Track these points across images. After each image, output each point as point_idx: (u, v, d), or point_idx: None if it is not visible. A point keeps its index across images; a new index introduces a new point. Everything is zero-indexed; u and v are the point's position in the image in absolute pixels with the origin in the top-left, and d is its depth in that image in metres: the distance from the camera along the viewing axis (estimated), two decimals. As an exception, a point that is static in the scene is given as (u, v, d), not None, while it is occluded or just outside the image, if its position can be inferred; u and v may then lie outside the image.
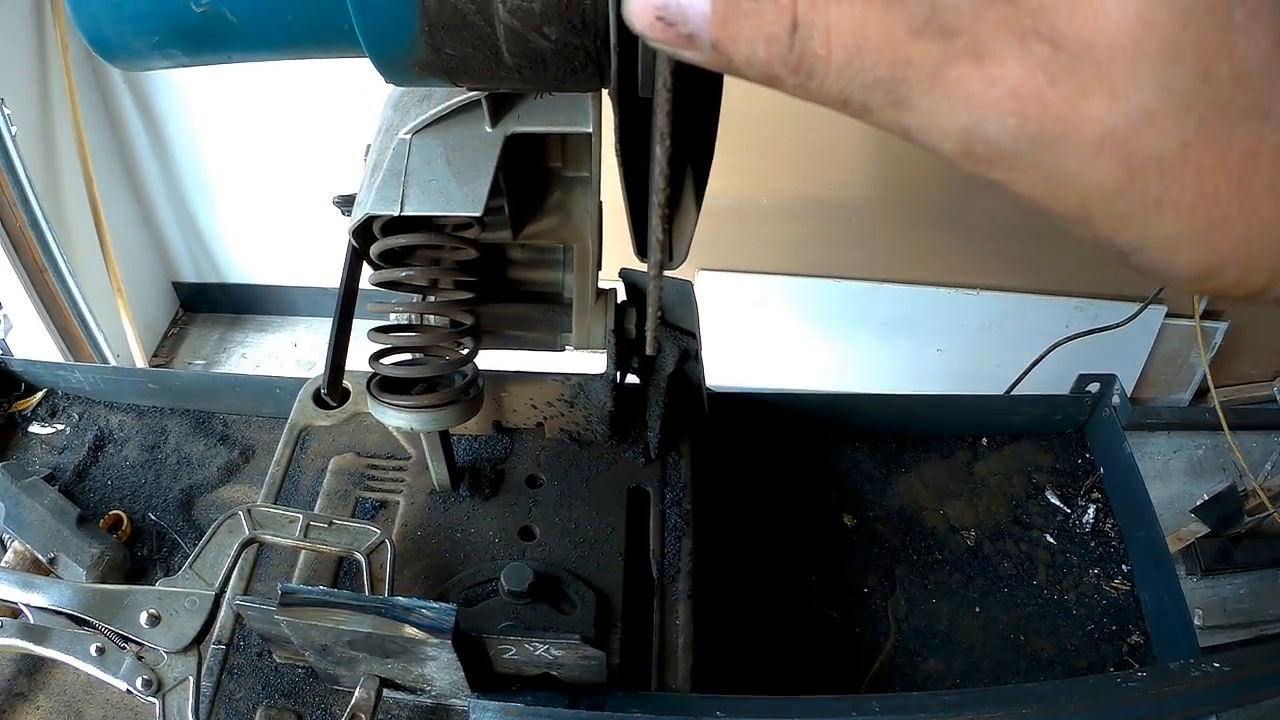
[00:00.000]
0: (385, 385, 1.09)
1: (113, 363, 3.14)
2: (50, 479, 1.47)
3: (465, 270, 1.07)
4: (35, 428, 1.59)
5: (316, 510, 1.23)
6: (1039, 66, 0.36)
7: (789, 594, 1.40)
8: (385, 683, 1.00)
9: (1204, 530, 3.16)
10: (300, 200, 3.31)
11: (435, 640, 0.90)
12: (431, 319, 1.13)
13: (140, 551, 1.42)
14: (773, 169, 2.94)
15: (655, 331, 0.64)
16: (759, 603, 1.38)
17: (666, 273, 1.13)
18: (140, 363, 3.29)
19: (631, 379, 1.28)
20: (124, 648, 0.99)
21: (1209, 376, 3.31)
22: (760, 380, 3.38)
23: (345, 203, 1.15)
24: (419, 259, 1.07)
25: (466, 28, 0.56)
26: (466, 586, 1.15)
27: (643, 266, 1.12)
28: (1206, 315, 3.27)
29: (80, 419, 1.60)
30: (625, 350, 1.22)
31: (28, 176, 2.77)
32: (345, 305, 1.12)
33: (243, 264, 3.63)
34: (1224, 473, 3.35)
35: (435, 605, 0.91)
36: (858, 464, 1.56)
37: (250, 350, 3.68)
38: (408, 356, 1.10)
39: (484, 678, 1.00)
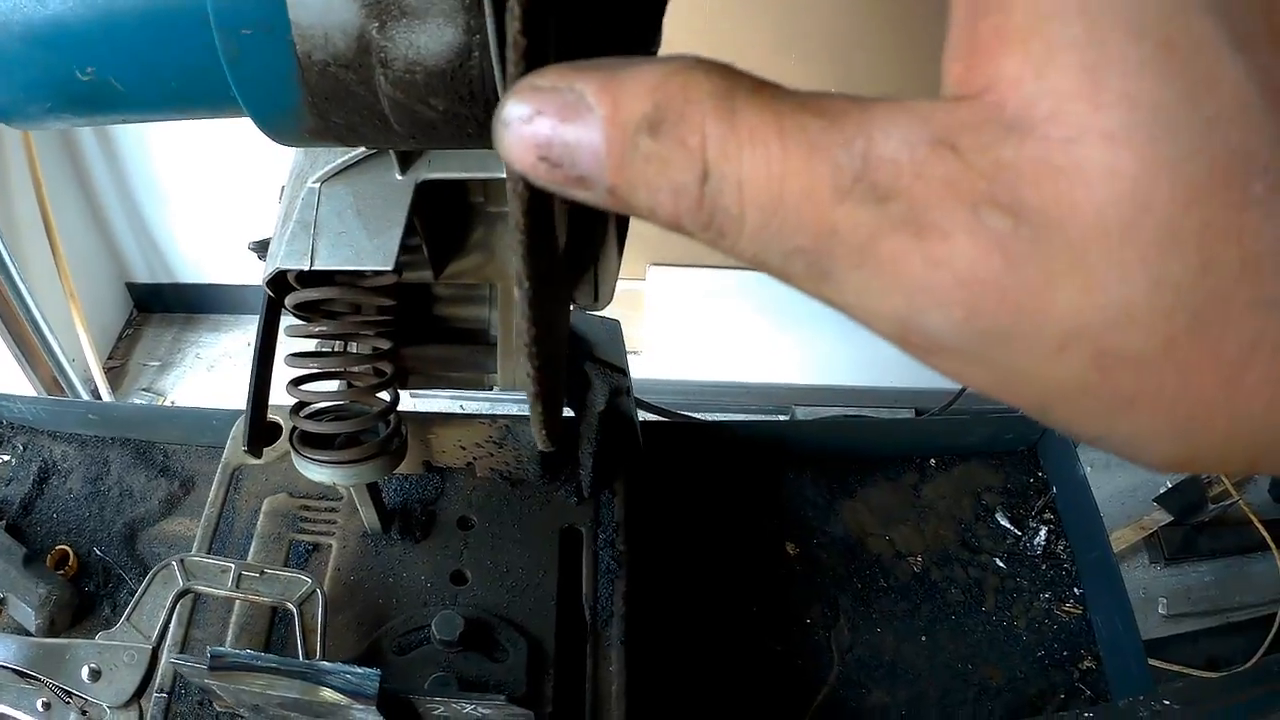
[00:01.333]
0: (306, 440, 1.05)
1: (66, 368, 3.10)
2: (-1, 512, 1.47)
3: (385, 317, 1.04)
4: None
5: (251, 555, 1.22)
6: (995, 245, 0.29)
7: (730, 626, 1.38)
8: None
9: (1167, 519, 3.15)
10: (251, 197, 3.27)
11: (360, 706, 0.88)
12: (353, 368, 1.09)
13: (87, 587, 1.42)
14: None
15: (545, 444, 0.61)
16: (698, 635, 1.36)
17: (595, 313, 1.12)
18: (94, 366, 3.25)
19: (566, 412, 1.26)
20: (68, 702, 1.01)
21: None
22: (718, 374, 3.35)
23: (260, 248, 1.11)
24: (337, 307, 1.03)
25: (350, 98, 0.53)
26: (399, 634, 1.12)
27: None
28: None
29: (25, 449, 1.59)
30: (556, 386, 1.19)
31: (-26, 183, 2.74)
32: (263, 355, 1.07)
33: (196, 263, 3.59)
34: (1187, 462, 3.33)
35: (358, 671, 0.88)
36: (801, 490, 1.53)
37: (205, 350, 3.64)
38: (328, 406, 1.06)
39: None
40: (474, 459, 1.26)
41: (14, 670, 1.01)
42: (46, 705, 1.00)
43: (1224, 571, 3.26)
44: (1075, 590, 1.47)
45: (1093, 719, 1.20)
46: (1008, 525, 1.53)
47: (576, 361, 1.22)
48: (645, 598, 1.20)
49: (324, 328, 1.01)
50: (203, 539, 1.24)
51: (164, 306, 3.75)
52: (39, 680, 1.01)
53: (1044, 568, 1.49)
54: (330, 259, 0.89)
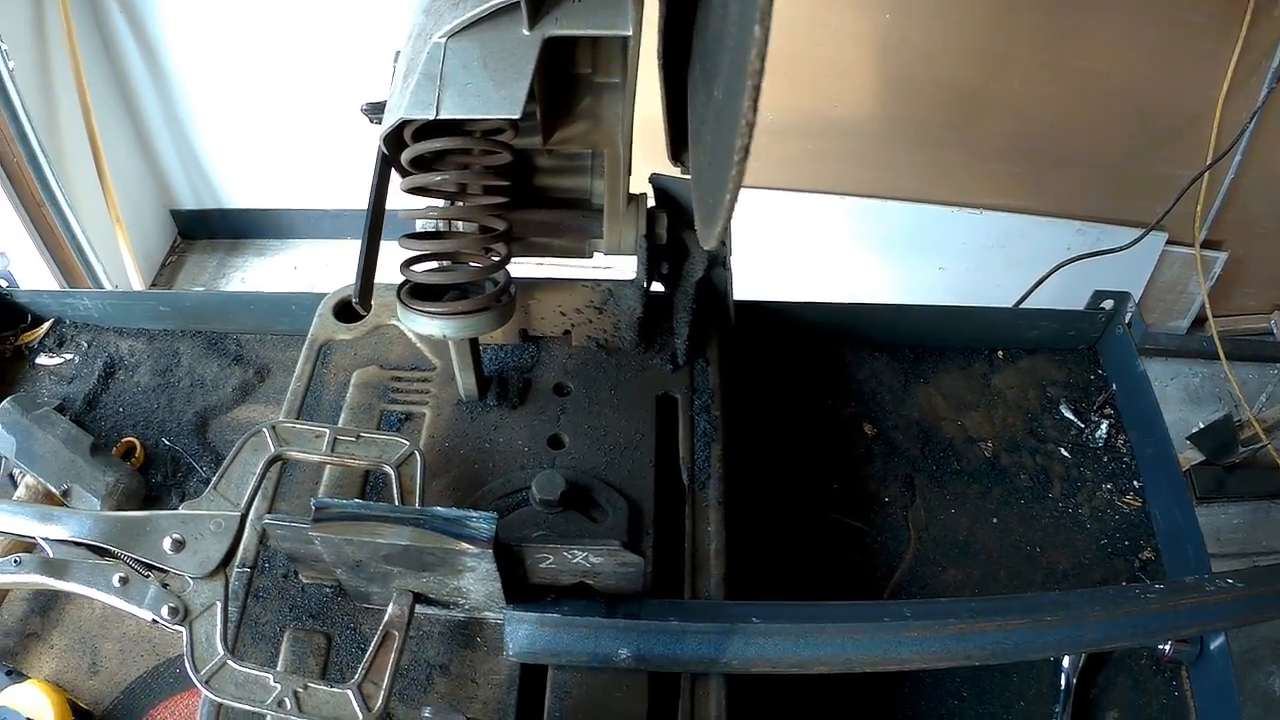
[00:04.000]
0: (415, 293, 1.09)
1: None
2: (60, 409, 1.46)
3: (496, 176, 1.07)
4: (43, 359, 1.59)
5: (340, 424, 1.22)
6: None
7: (812, 502, 1.42)
8: (418, 598, 1.00)
9: (1199, 458, 3.18)
10: (297, 122, 3.30)
11: (475, 550, 0.90)
12: (462, 225, 1.12)
13: (155, 478, 1.42)
14: (776, 85, 2.90)
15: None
16: (783, 510, 1.40)
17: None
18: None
19: (657, 287, 1.28)
20: (147, 576, 0.97)
21: (1208, 305, 3.33)
22: (762, 296, 3.38)
23: (375, 110, 1.15)
24: (449, 164, 1.06)
25: None
26: (497, 497, 1.14)
27: (673, 171, 1.14)
28: (1207, 245, 3.27)
29: (89, 347, 1.59)
30: (656, 255, 1.22)
31: (25, 111, 2.75)
32: (375, 212, 1.10)
33: (240, 188, 3.61)
34: (1220, 402, 3.38)
35: (476, 515, 0.91)
36: (876, 373, 1.58)
37: (249, 275, 3.66)
38: (440, 257, 1.09)
39: (519, 589, 1.00)
40: (572, 326, 1.28)
41: (88, 546, 0.98)
42: (124, 580, 0.96)
43: (1252, 515, 3.28)
44: (1135, 483, 1.51)
45: (1164, 590, 1.23)
46: (1071, 417, 1.56)
47: (676, 230, 1.24)
48: (740, 463, 1.22)
49: (442, 176, 1.04)
50: (289, 411, 1.25)
51: (209, 233, 3.76)
52: (115, 555, 0.98)
53: (1105, 460, 1.53)
54: (457, 108, 0.93)
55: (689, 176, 1.13)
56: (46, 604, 1.32)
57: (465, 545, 0.90)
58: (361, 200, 1.08)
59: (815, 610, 1.06)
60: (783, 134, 3.05)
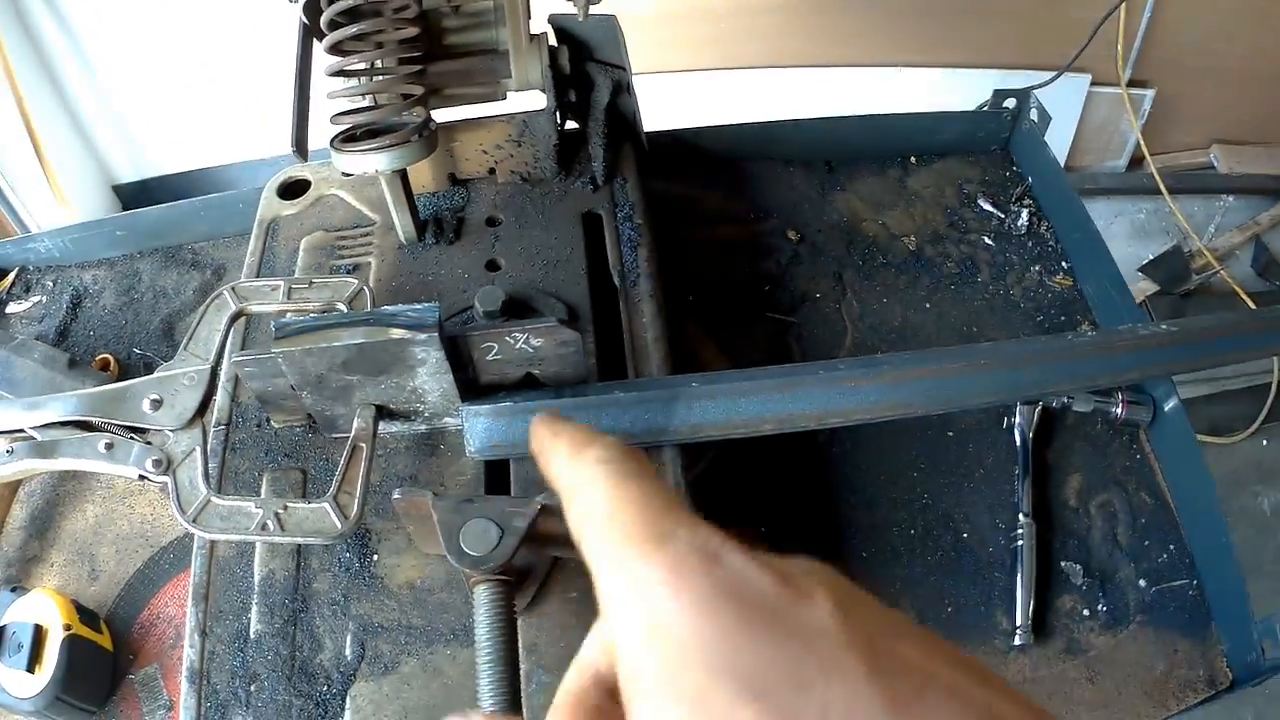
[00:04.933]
0: (347, 139, 1.16)
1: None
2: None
3: (408, 26, 1.14)
4: (12, 307, 1.63)
5: None
6: None
7: (746, 305, 1.49)
8: (381, 412, 1.05)
9: (1154, 288, 3.25)
10: (227, 74, 3.27)
11: (423, 337, 0.95)
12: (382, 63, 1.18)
13: None
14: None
15: None
16: (718, 316, 1.46)
17: (591, 10, 1.20)
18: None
19: (572, 125, 1.35)
20: (131, 439, 1.01)
21: (1143, 144, 3.39)
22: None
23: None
24: (365, 13, 1.12)
25: None
26: (444, 319, 1.19)
27: (570, 9, 1.21)
28: (1133, 84, 3.32)
29: (55, 286, 1.65)
30: (562, 84, 1.28)
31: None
32: (302, 71, 1.18)
33: (176, 153, 3.57)
34: (1167, 235, 3.45)
35: (418, 307, 0.96)
36: (794, 186, 1.64)
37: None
38: (366, 105, 1.16)
39: (471, 388, 1.05)
40: (495, 163, 1.34)
41: (74, 424, 1.02)
42: (109, 446, 1.01)
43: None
44: (1063, 264, 1.58)
45: (1097, 335, 1.30)
46: (991, 209, 1.63)
47: (579, 64, 1.30)
48: (667, 263, 1.28)
49: (359, 26, 1.10)
50: (248, 276, 1.29)
51: (151, 201, 3.67)
52: (101, 427, 1.02)
53: (1030, 244, 1.60)
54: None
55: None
56: (42, 525, 1.38)
57: (413, 333, 0.95)
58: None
59: (755, 372, 1.11)
60: (690, 19, 3.08)
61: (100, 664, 1.25)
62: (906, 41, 3.17)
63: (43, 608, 1.22)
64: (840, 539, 1.32)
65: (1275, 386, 3.22)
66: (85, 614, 1.25)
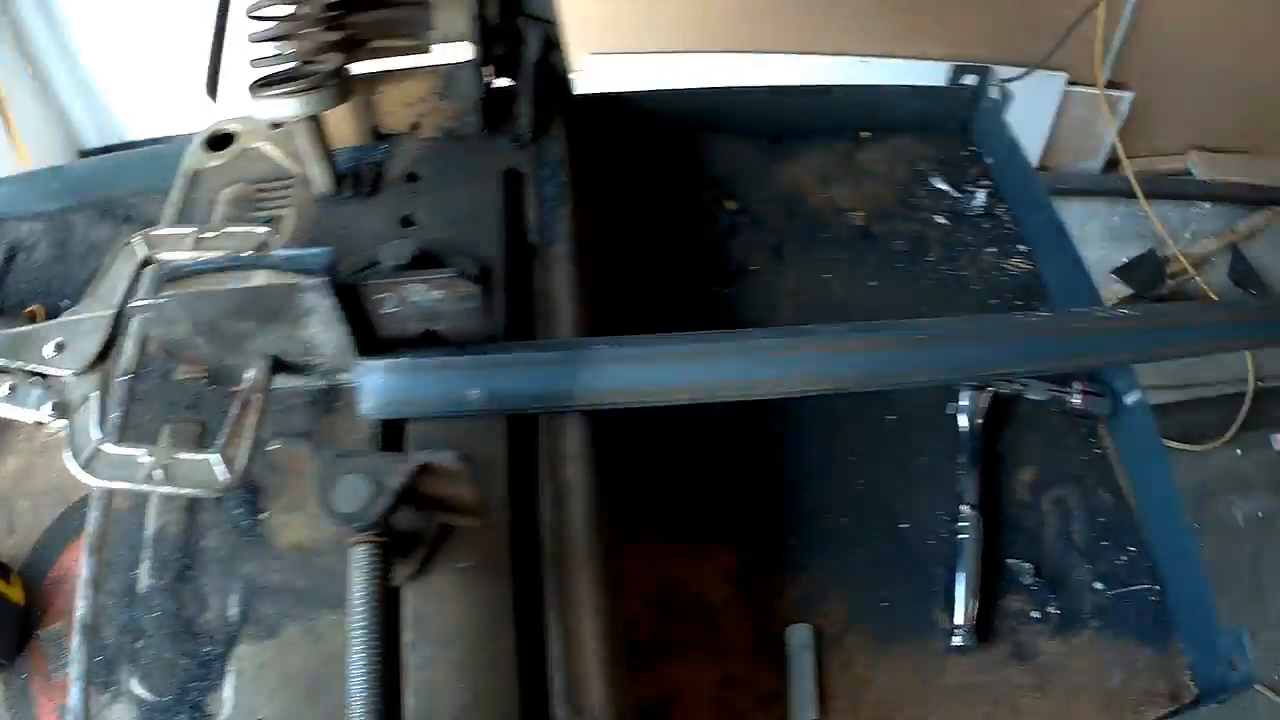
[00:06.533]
0: (264, 84, 1.11)
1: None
2: (-35, 301, 1.48)
3: None
4: None
5: None
6: None
7: (678, 277, 1.43)
8: (277, 365, 1.01)
9: (1126, 291, 3.22)
10: (196, 39, 3.23)
11: (311, 282, 0.91)
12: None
13: None
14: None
15: None
16: (651, 287, 1.41)
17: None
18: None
19: (502, 82, 1.30)
20: (33, 383, 0.99)
21: (1119, 146, 3.36)
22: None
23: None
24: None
25: None
26: (351, 272, 1.14)
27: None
28: (1112, 85, 3.30)
29: None
30: (489, 37, 1.24)
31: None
32: (221, 14, 1.17)
33: (146, 118, 3.50)
34: (1142, 240, 3.40)
35: (310, 250, 0.92)
36: (736, 155, 1.59)
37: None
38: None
39: (369, 341, 1.00)
40: (420, 117, 1.29)
41: None
42: (12, 388, 0.99)
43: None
44: (1020, 247, 1.52)
45: (1051, 314, 1.25)
46: (945, 188, 1.58)
47: (509, 17, 1.26)
48: (597, 228, 1.23)
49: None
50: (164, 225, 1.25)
51: None
52: (5, 370, 1.00)
53: (986, 226, 1.55)
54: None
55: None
56: None
57: (299, 277, 0.91)
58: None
59: (669, 337, 1.05)
60: None
61: (8, 617, 1.23)
62: (881, 31, 3.15)
63: (-47, 562, 1.17)
64: (764, 527, 1.26)
65: (1249, 396, 3.16)
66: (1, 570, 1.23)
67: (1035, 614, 1.22)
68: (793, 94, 1.59)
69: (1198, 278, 3.34)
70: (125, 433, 1.03)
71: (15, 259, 1.57)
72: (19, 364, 1.00)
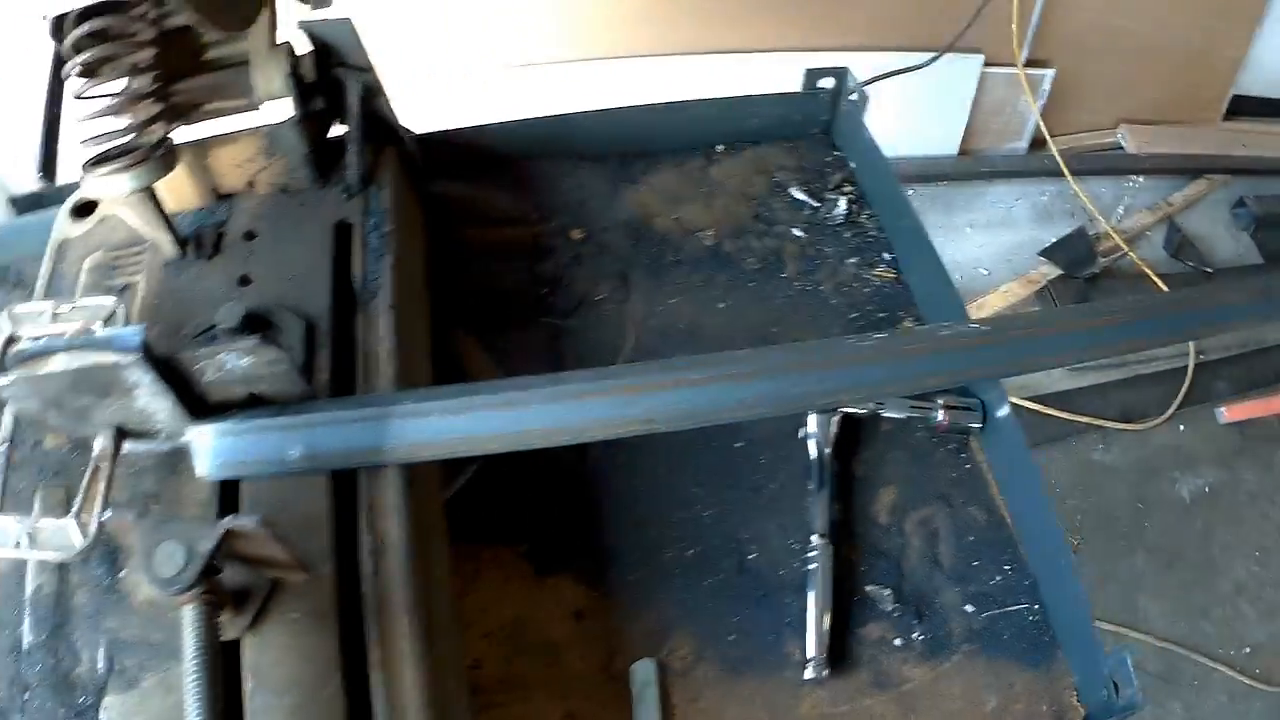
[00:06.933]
0: (95, 162, 1.14)
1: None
2: None
3: (149, 46, 1.12)
4: None
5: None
6: None
7: (522, 309, 1.45)
8: (121, 433, 1.04)
9: (1056, 272, 3.22)
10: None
11: (127, 360, 0.94)
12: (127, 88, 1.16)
13: None
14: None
15: None
16: (492, 321, 1.43)
17: (322, 15, 1.19)
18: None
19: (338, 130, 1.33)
20: None
21: (1042, 125, 3.37)
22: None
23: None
24: (100, 42, 1.10)
25: None
26: (194, 335, 1.18)
27: (317, 14, 1.19)
28: (1032, 63, 3.31)
29: None
30: (307, 92, 1.27)
31: None
32: (53, 93, 1.18)
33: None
34: (1072, 218, 3.42)
35: (125, 330, 0.96)
36: (582, 183, 1.60)
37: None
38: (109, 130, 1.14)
39: (199, 406, 1.03)
40: (254, 175, 1.32)
41: None
42: None
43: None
44: (885, 255, 1.54)
45: (883, 338, 1.24)
46: (804, 198, 1.59)
47: (326, 71, 1.29)
48: (439, 269, 1.25)
49: (90, 54, 1.09)
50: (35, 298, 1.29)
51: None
52: None
53: (848, 235, 1.56)
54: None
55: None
56: None
57: (117, 356, 0.94)
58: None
59: (477, 387, 1.07)
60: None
61: None
62: (778, 26, 3.13)
63: None
64: (608, 561, 1.28)
65: (1190, 371, 3.18)
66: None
67: (898, 641, 1.23)
68: (642, 113, 1.59)
69: (1132, 254, 3.34)
70: (4, 500, 1.08)
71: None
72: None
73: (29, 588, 1.05)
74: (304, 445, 1.03)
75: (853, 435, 1.36)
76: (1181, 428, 3.15)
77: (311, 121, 1.30)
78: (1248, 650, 2.70)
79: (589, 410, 1.04)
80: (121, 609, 1.02)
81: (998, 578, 1.28)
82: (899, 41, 3.13)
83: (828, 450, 1.32)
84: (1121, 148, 3.62)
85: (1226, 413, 3.14)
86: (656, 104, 1.58)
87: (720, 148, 1.65)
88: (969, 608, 1.25)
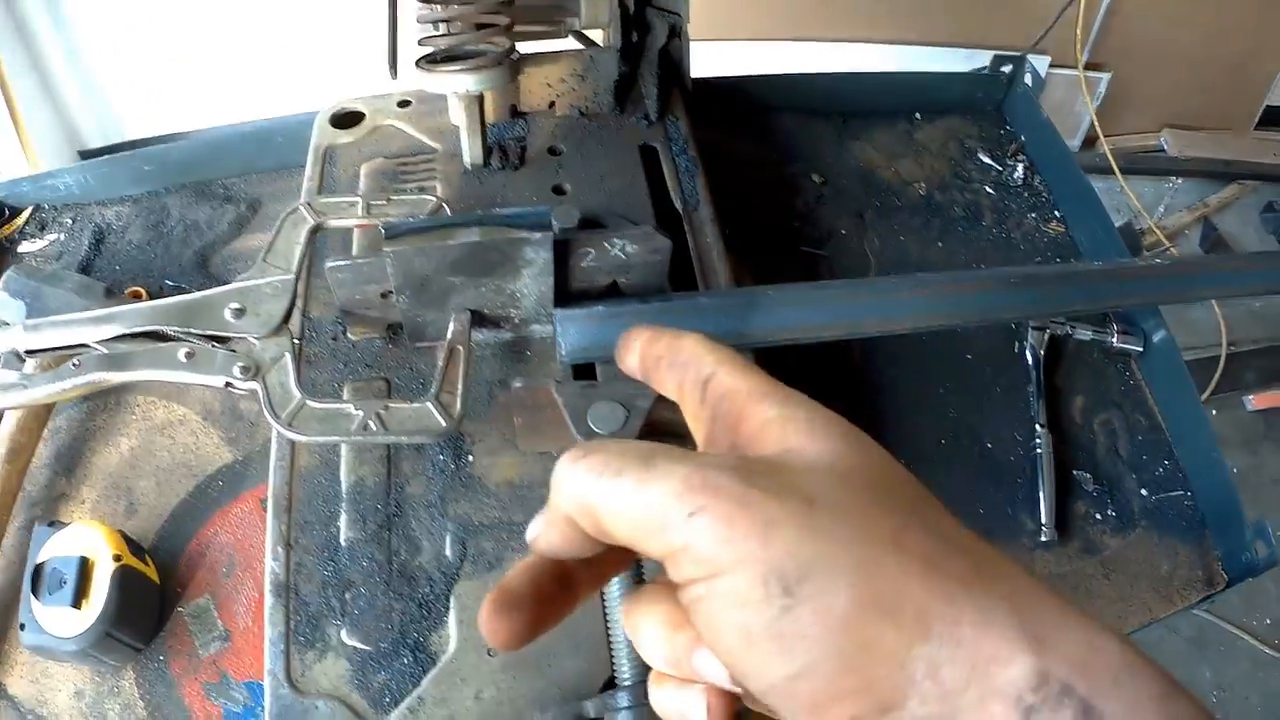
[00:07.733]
0: (434, 60, 1.19)
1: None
2: (55, 280, 1.47)
3: None
4: (25, 246, 1.58)
5: None
6: None
7: (779, 240, 1.62)
8: (475, 317, 1.06)
9: (1103, 264, 3.40)
10: (199, 36, 3.18)
11: (537, 237, 0.99)
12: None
13: None
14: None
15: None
16: (754, 250, 1.59)
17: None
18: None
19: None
20: (213, 347, 0.98)
21: (1096, 124, 3.56)
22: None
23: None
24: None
25: None
26: (520, 237, 1.26)
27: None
28: (1090, 66, 3.51)
29: (74, 223, 1.62)
30: (627, 23, 1.39)
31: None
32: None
33: (147, 117, 3.39)
34: (1119, 214, 3.60)
35: (531, 207, 1.00)
36: (815, 134, 1.79)
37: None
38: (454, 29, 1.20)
39: (563, 293, 1.09)
40: (556, 96, 1.42)
41: (146, 335, 0.99)
42: (190, 354, 0.97)
43: (1169, 316, 3.49)
44: (1056, 213, 1.73)
45: (1105, 264, 1.42)
46: (990, 162, 1.79)
47: (639, 10, 1.40)
48: (720, 192, 1.37)
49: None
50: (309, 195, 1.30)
51: None
52: (176, 338, 0.99)
53: (1026, 195, 1.76)
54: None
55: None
56: (70, 462, 1.35)
57: (529, 233, 0.99)
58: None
59: (819, 285, 1.24)
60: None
61: (149, 597, 1.21)
62: (880, 17, 3.34)
63: (87, 540, 1.15)
64: (878, 438, 1.43)
65: (1222, 361, 3.35)
66: (132, 545, 1.20)
67: (1098, 515, 1.41)
68: (859, 80, 1.80)
69: (1174, 250, 3.54)
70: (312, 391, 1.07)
71: (105, 241, 1.58)
72: (194, 330, 0.99)
73: (345, 482, 1.04)
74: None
75: (1052, 351, 1.55)
76: (1214, 412, 3.32)
77: (626, 52, 1.40)
78: (1269, 622, 2.91)
79: (909, 305, 1.18)
80: (473, 493, 1.02)
81: (1160, 469, 1.47)
82: (981, 40, 3.33)
83: (1041, 354, 1.53)
84: (1163, 150, 3.82)
85: (1254, 400, 3.32)
86: (877, 72, 1.79)
87: (918, 115, 1.85)
88: (1143, 491, 1.44)
